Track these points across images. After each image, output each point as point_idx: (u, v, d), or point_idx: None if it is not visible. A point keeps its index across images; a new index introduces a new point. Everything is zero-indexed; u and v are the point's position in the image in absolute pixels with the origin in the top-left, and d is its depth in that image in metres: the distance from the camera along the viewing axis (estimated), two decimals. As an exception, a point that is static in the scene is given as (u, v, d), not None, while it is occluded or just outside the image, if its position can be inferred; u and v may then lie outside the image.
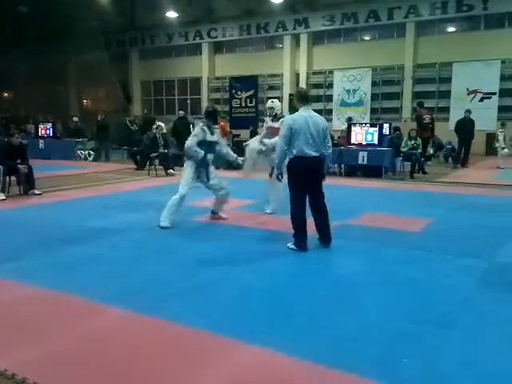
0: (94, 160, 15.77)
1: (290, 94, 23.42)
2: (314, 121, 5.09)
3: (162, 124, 17.33)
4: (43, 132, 17.08)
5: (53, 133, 16.89)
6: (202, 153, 6.24)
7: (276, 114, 7.23)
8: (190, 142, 6.22)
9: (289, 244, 5.27)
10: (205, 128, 6.32)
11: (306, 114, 5.13)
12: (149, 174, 12.04)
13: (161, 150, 12.42)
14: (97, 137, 16.44)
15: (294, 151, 5.04)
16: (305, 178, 5.12)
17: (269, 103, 7.43)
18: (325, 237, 5.32)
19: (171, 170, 12.09)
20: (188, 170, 6.32)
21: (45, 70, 25.49)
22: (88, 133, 17.45)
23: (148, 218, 6.87)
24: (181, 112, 17.66)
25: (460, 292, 4.09)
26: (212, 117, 6.51)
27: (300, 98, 5.30)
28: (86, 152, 16.09)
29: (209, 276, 4.44)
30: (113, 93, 26.94)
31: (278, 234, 5.89)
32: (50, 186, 9.63)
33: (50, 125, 17.13)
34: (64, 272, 4.52)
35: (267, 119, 7.36)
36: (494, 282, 4.33)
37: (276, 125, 7.15)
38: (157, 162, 12.34)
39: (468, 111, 14.30)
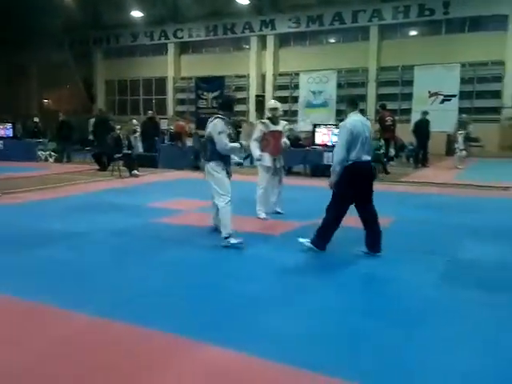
0: (56, 161, 15.39)
1: (257, 96, 23.51)
2: (365, 124, 5.03)
3: (134, 121, 17.01)
4: (2, 132, 16.53)
5: (13, 133, 16.40)
6: (238, 144, 5.68)
7: (279, 115, 7.02)
8: (225, 140, 5.38)
9: (303, 240, 5.20)
10: (226, 122, 5.48)
11: (358, 118, 5.04)
12: (112, 175, 11.84)
13: (125, 151, 12.22)
14: (59, 137, 16.04)
15: (352, 157, 4.86)
16: (359, 183, 4.96)
17: (272, 103, 7.03)
18: (378, 245, 5.12)
19: (136, 171, 11.92)
20: (221, 174, 5.45)
21: (5, 69, 24.71)
22: (49, 133, 16.99)
23: (112, 219, 6.76)
24: (150, 112, 17.37)
25: (422, 289, 4.18)
26: (230, 108, 5.74)
27: (351, 103, 5.20)
28: (47, 153, 15.69)
29: (169, 278, 4.40)
30: (76, 92, 26.39)
31: (249, 236, 5.91)
32: (10, 188, 9.33)
33: (9, 125, 16.61)
34: (25, 277, 4.38)
35: (267, 122, 7.00)
36: (456, 279, 4.45)
37: (279, 128, 7.03)
38: (121, 162, 12.14)
39: (424, 113, 14.64)
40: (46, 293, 3.93)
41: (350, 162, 4.88)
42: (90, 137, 17.48)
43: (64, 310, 3.61)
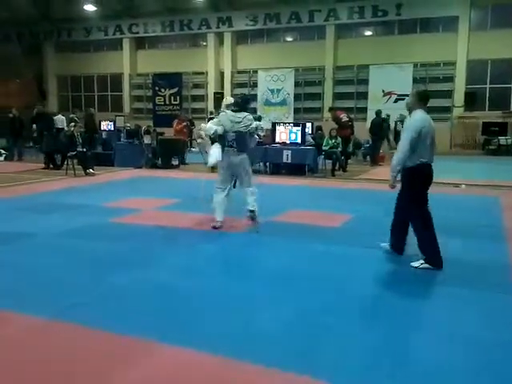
0: (6, 159, 14.78)
1: (215, 93, 23.39)
2: (433, 124, 4.69)
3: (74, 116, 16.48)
4: None
5: (-42, 130, 15.64)
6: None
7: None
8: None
9: (417, 265, 4.65)
10: None
11: (427, 116, 4.67)
12: (66, 174, 11.47)
13: (79, 149, 11.85)
14: (10, 134, 15.39)
15: (422, 158, 4.56)
16: (427, 188, 4.73)
17: (230, 99, 6.71)
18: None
19: (91, 170, 11.59)
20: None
21: None
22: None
23: (66, 220, 6.54)
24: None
25: (375, 284, 4.27)
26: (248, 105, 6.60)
27: (423, 98, 4.72)
28: (-4, 151, 15.07)
29: (123, 279, 4.28)
30: (26, 88, 25.40)
31: (191, 232, 5.85)
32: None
33: (-46, 122, 15.82)
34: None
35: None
36: (408, 274, 4.56)
37: None
38: (75, 161, 11.77)
39: (378, 112, 14.99)
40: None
41: (418, 163, 4.57)
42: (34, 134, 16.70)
43: (5, 311, 3.47)
